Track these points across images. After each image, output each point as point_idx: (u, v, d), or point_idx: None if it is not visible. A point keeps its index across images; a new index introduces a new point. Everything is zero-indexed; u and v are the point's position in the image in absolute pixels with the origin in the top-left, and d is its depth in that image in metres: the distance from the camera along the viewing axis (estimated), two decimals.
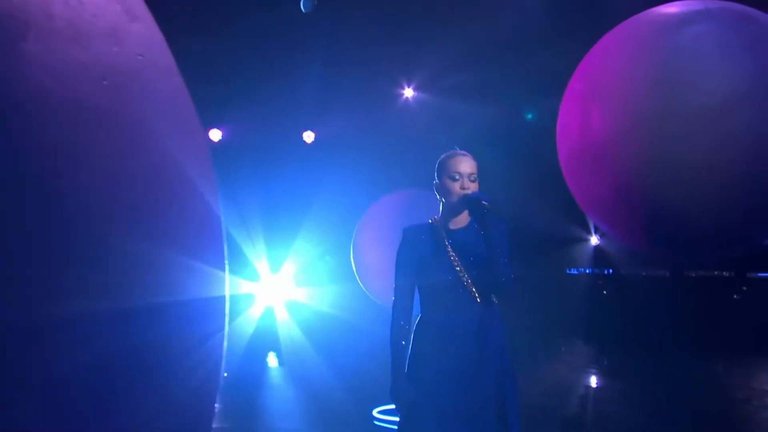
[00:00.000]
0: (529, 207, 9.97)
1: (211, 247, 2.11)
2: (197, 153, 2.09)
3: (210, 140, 10.74)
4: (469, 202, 3.25)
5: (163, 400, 1.87)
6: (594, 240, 13.67)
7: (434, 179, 3.42)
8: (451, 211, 3.35)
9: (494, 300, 3.32)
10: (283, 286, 11.91)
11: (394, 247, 3.40)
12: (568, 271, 14.53)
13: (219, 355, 2.11)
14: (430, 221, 3.43)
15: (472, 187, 3.30)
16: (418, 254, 3.34)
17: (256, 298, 11.74)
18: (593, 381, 9.02)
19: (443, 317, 3.26)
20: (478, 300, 3.25)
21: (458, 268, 3.26)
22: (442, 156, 3.42)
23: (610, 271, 14.35)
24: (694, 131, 3.57)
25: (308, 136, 11.34)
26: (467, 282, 3.25)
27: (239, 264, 11.12)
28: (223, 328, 2.17)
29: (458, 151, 3.41)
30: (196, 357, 1.98)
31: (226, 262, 2.24)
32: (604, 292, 14.27)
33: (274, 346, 11.27)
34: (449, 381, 3.19)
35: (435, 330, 3.28)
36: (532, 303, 10.67)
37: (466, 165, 3.33)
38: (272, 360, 10.87)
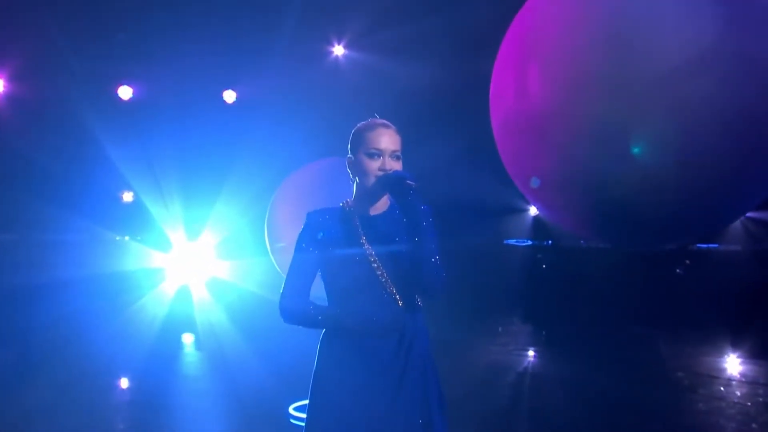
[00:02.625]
0: (465, 173, 9.58)
1: None
2: None
3: (119, 98, 10.19)
4: (389, 182, 2.68)
5: None
6: (533, 210, 13.33)
7: (347, 153, 2.81)
8: (368, 194, 2.77)
9: (419, 303, 2.77)
10: (201, 259, 11.17)
11: None
12: (505, 242, 14.22)
13: None
14: (341, 204, 2.84)
15: (395, 167, 2.73)
16: (324, 246, 2.75)
17: (166, 271, 10.99)
18: (528, 367, 8.64)
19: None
20: (400, 303, 2.72)
21: (375, 264, 2.71)
22: (359, 126, 2.82)
23: (550, 242, 14.09)
24: (647, 98, 3.08)
25: (229, 96, 10.88)
26: (386, 280, 2.71)
27: (149, 232, 10.47)
28: None
29: (378, 121, 2.81)
30: None
31: None
32: (543, 266, 14.02)
33: (191, 331, 10.65)
34: (364, 403, 2.66)
35: (346, 340, 2.71)
36: (467, 277, 10.26)
37: (388, 140, 2.74)
38: (188, 339, 10.21)
